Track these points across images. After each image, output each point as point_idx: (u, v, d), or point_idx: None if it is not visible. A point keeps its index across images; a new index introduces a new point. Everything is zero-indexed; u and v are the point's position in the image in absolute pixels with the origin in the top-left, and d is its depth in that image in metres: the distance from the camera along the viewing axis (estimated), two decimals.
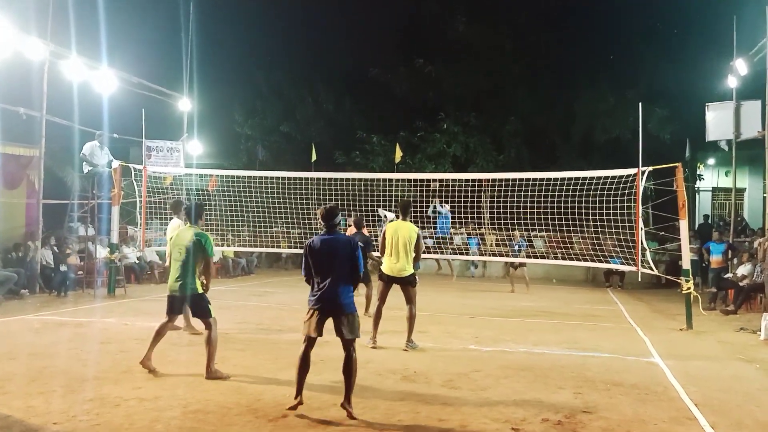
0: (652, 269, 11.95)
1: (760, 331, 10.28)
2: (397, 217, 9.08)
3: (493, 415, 5.61)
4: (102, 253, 14.47)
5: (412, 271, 8.69)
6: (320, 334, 5.65)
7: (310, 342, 5.66)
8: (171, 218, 9.88)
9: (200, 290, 6.98)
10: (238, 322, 10.30)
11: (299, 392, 5.55)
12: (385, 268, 8.71)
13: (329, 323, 5.70)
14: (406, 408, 5.72)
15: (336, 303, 5.58)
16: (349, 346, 5.60)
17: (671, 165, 11.26)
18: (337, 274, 5.57)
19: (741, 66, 15.53)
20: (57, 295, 13.48)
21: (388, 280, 8.75)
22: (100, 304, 12.68)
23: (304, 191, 16.36)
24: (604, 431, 5.30)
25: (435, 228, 16.03)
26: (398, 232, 8.66)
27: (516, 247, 16.64)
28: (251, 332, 9.59)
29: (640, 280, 15.15)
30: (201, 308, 6.98)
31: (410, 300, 8.68)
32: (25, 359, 7.43)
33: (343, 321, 5.60)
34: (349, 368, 5.54)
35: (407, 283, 8.67)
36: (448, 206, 15.80)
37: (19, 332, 9.33)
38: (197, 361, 7.42)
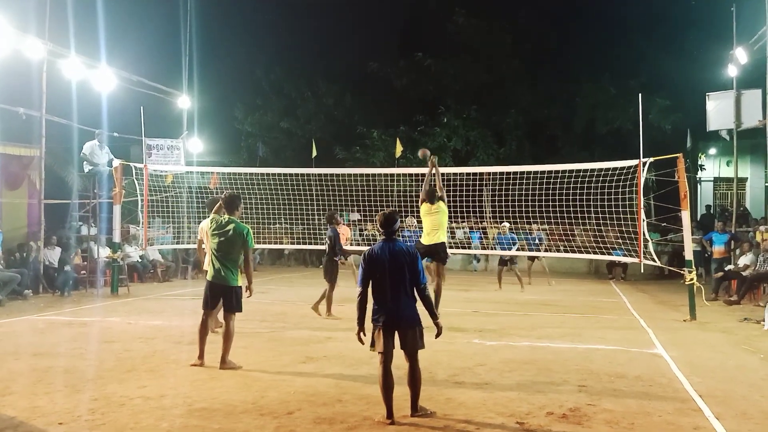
0: (654, 260, 11.94)
1: (763, 321, 10.28)
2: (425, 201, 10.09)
3: (497, 409, 5.61)
4: (103, 252, 14.47)
5: (444, 239, 9.88)
6: (392, 347, 5.40)
7: (386, 357, 5.35)
8: (207, 216, 9.62)
9: (239, 283, 7.10)
10: (240, 319, 10.20)
11: (390, 413, 5.24)
12: (423, 240, 9.88)
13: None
14: (409, 404, 5.70)
15: (401, 316, 5.34)
16: (413, 358, 5.38)
17: (672, 156, 11.24)
18: (399, 285, 5.34)
19: (741, 55, 15.48)
20: (60, 295, 13.50)
21: (420, 251, 9.56)
22: (104, 303, 12.70)
23: (305, 187, 16.35)
24: (609, 423, 5.29)
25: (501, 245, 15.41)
26: (430, 210, 9.89)
27: (536, 240, 16.63)
28: (254, 329, 9.59)
29: (642, 271, 15.12)
30: (235, 301, 7.12)
31: (439, 274, 9.91)
32: (29, 359, 7.44)
33: (408, 334, 5.36)
34: (414, 379, 5.36)
35: (439, 257, 9.86)
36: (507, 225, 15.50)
37: (23, 333, 9.35)
38: None
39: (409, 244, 5.90)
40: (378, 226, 5.61)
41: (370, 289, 5.45)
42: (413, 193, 16.88)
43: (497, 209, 14.87)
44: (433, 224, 9.95)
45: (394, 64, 26.24)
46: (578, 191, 13.08)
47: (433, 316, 5.53)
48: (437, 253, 9.92)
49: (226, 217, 7.18)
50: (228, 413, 5.43)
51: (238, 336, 8.79)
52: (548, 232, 17.18)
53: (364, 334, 5.43)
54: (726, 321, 11.04)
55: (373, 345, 5.42)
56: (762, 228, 15.26)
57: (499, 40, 25.00)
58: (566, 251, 15.33)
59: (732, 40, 16.12)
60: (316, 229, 17.00)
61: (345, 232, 15.46)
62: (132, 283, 15.52)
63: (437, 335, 5.51)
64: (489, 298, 14.06)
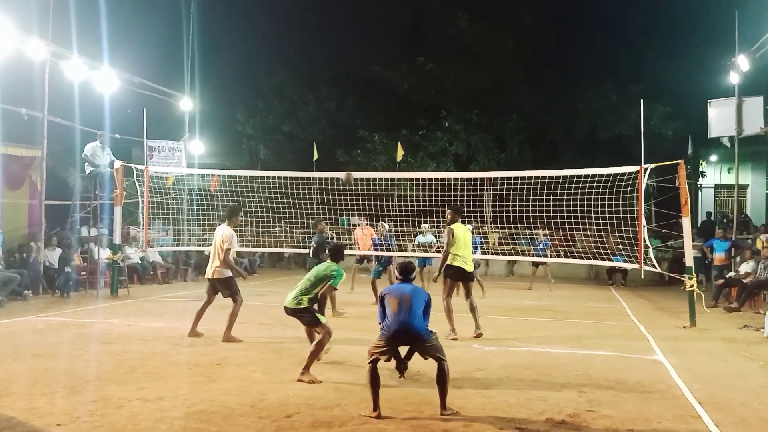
0: (654, 267, 11.92)
1: (763, 328, 10.26)
2: (454, 220, 9.83)
3: (496, 414, 5.60)
4: (104, 253, 14.48)
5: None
6: (389, 360, 5.79)
7: (376, 360, 5.66)
8: (222, 223, 9.37)
9: (312, 306, 7.11)
10: (240, 322, 10.23)
11: (377, 406, 5.50)
12: (460, 264, 9.56)
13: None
14: (409, 408, 5.71)
15: (412, 333, 5.68)
16: (440, 360, 5.63)
17: (674, 162, 11.24)
18: (412, 309, 5.73)
19: (743, 62, 15.49)
20: (60, 295, 13.50)
21: (456, 276, 9.69)
22: (103, 304, 12.70)
23: (306, 190, 16.35)
24: (608, 430, 5.28)
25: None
26: (467, 232, 9.76)
27: (540, 246, 16.62)
28: (254, 332, 9.59)
29: (642, 277, 15.09)
30: (311, 318, 7.10)
31: (470, 293, 9.81)
32: (28, 360, 7.44)
33: (424, 346, 5.71)
34: (442, 378, 5.57)
35: (472, 279, 9.91)
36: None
37: (23, 333, 9.34)
38: (199, 361, 7.45)
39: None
40: (397, 273, 6.38)
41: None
42: (414, 197, 16.93)
43: (498, 214, 14.87)
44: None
45: (395, 68, 26.25)
46: (579, 197, 13.07)
47: None
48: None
49: (329, 262, 7.42)
50: (226, 416, 5.43)
51: (238, 339, 8.84)
52: (549, 237, 17.20)
53: None
54: (726, 328, 11.02)
55: (374, 350, 5.69)
56: (763, 236, 15.25)
57: (501, 44, 25.02)
58: (567, 257, 15.32)
59: (734, 47, 16.15)
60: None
61: (369, 232, 15.46)
62: (132, 284, 15.52)
63: None
64: (488, 303, 14.02)
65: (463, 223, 10.33)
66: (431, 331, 5.77)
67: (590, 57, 24.12)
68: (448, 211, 9.92)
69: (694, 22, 22.52)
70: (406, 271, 6.31)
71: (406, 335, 5.67)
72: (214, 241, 9.12)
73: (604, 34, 23.83)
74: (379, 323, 5.90)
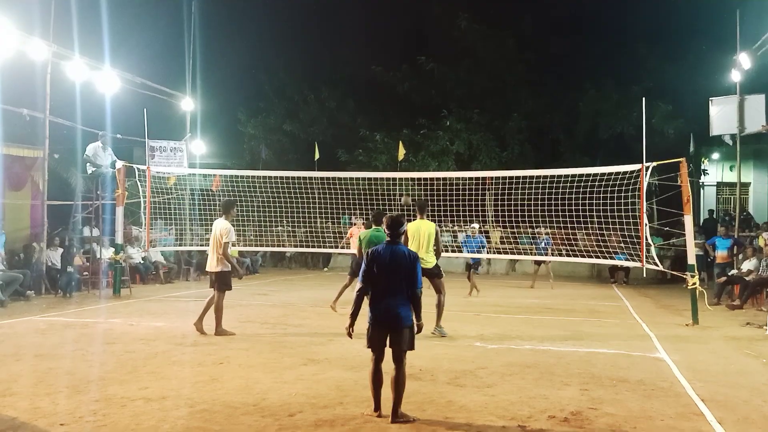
0: (657, 265, 11.92)
1: (766, 325, 10.26)
2: (416, 216, 9.74)
3: (499, 413, 5.60)
4: (106, 253, 14.49)
5: (434, 262, 9.46)
6: (384, 346, 5.50)
7: (377, 355, 5.50)
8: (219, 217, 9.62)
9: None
10: (242, 322, 10.31)
11: (378, 406, 5.44)
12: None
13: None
14: (412, 406, 5.70)
15: (395, 315, 5.44)
16: (400, 359, 5.45)
17: (675, 160, 11.22)
18: (398, 286, 5.48)
19: (744, 60, 15.46)
20: (62, 296, 13.51)
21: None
22: (106, 304, 12.70)
23: (307, 190, 16.37)
24: (611, 427, 5.28)
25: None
26: (420, 229, 9.43)
27: (542, 245, 16.64)
28: (256, 331, 9.59)
29: (645, 275, 15.11)
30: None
31: (439, 290, 9.49)
32: (31, 360, 7.45)
33: (398, 333, 5.47)
34: (397, 383, 5.41)
35: (433, 275, 9.45)
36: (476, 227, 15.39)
37: (25, 333, 9.35)
38: (201, 361, 7.46)
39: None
40: (384, 227, 5.77)
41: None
42: (416, 196, 16.94)
43: (500, 213, 14.87)
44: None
45: (397, 67, 26.25)
46: (581, 195, 13.07)
47: (418, 317, 5.62)
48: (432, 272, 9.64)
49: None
50: (229, 415, 5.43)
51: (240, 339, 8.86)
52: (551, 235, 17.21)
53: (353, 330, 5.62)
54: (728, 325, 11.01)
55: (368, 342, 5.59)
56: (765, 234, 15.25)
57: (503, 45, 25.01)
58: (569, 255, 15.32)
59: (735, 44, 16.12)
60: (318, 231, 17.02)
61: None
62: (134, 284, 15.51)
63: (417, 332, 5.63)
64: (490, 301, 14.04)
65: (434, 219, 10.17)
66: (411, 325, 5.51)
67: (591, 55, 24.09)
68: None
69: (695, 20, 22.49)
70: (396, 224, 5.61)
71: (390, 319, 5.41)
72: (213, 235, 9.35)
73: (605, 32, 23.85)
74: (359, 284, 5.55)
